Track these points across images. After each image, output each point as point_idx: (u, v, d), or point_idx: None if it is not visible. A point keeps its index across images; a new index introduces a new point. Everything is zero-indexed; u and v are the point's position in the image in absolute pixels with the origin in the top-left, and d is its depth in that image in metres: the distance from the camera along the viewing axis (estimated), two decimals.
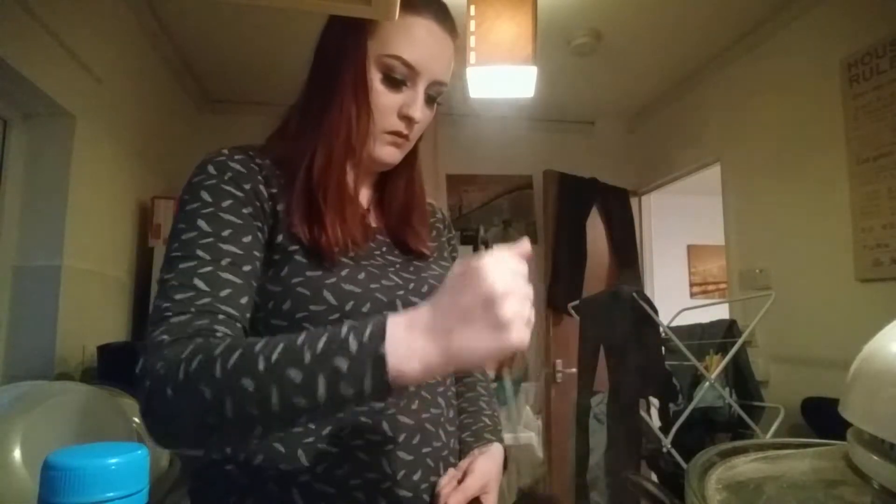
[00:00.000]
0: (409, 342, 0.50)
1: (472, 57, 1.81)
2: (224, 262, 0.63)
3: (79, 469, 0.31)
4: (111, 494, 0.32)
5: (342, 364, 0.49)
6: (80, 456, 0.32)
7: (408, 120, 0.74)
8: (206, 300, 0.60)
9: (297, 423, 0.55)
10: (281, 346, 0.52)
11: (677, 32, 2.53)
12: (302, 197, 0.71)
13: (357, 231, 0.72)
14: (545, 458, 2.76)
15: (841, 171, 2.04)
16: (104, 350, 1.85)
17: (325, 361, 0.50)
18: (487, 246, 0.53)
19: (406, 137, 0.76)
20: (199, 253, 0.63)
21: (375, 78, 0.73)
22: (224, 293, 0.62)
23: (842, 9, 2.10)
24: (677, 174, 3.21)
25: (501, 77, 1.88)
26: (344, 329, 0.52)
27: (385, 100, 0.73)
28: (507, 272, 0.50)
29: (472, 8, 1.81)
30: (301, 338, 0.52)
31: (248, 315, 0.65)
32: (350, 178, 0.77)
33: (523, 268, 0.53)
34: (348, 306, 0.68)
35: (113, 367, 1.80)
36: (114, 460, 0.32)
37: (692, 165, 3.05)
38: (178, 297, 0.60)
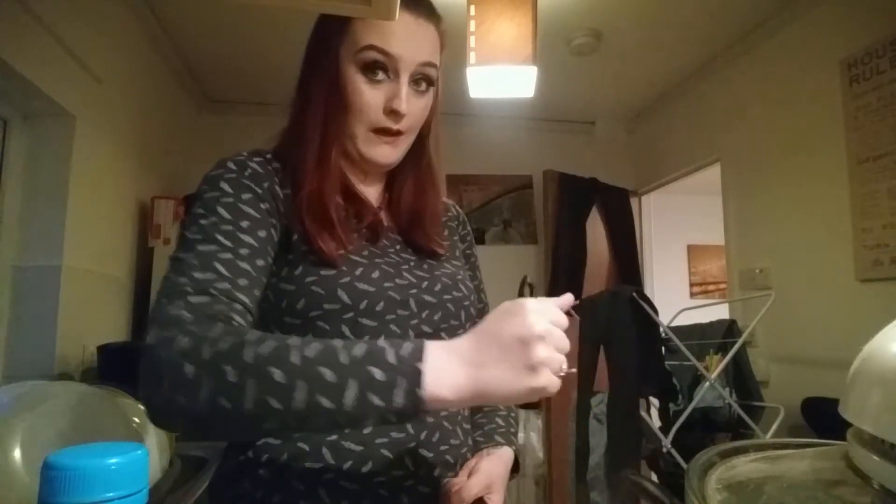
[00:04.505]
0: (445, 366, 0.51)
1: (472, 57, 1.81)
2: (242, 252, 0.64)
3: (79, 469, 0.31)
4: (111, 494, 0.32)
5: (376, 373, 0.50)
6: (80, 456, 0.32)
7: (394, 114, 0.73)
8: (226, 285, 0.60)
9: (309, 426, 0.53)
10: (317, 344, 0.52)
11: (677, 32, 2.53)
12: (293, 208, 0.72)
13: (348, 238, 0.72)
14: (545, 458, 2.76)
15: (841, 171, 2.04)
16: (104, 350, 1.85)
17: (361, 367, 0.50)
18: (532, 291, 0.58)
19: (398, 133, 0.74)
20: (220, 238, 0.63)
21: (356, 78, 0.72)
22: (242, 282, 0.62)
23: (842, 9, 2.10)
24: (677, 174, 3.21)
25: (501, 77, 1.88)
26: (383, 342, 0.52)
27: (368, 97, 0.72)
28: (547, 318, 0.53)
29: (472, 8, 1.81)
30: (339, 342, 0.53)
31: (257, 309, 0.65)
32: (346, 180, 0.76)
33: (563, 320, 0.55)
34: (362, 305, 0.69)
35: (113, 367, 1.80)
36: (114, 460, 0.32)
37: (692, 165, 3.05)
38: (196, 275, 0.60)
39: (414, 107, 0.74)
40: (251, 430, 0.58)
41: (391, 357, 0.51)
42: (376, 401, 0.49)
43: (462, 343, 0.53)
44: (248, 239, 0.65)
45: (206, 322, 0.56)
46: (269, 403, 0.49)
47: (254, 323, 0.64)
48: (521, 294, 0.57)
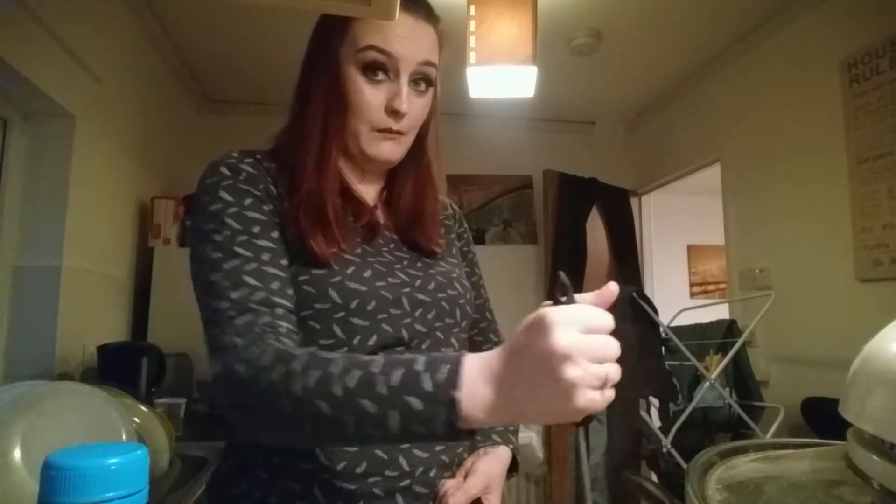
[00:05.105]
0: (479, 390, 0.50)
1: (472, 57, 1.81)
2: (265, 258, 0.66)
3: (79, 469, 0.31)
4: (111, 494, 0.32)
5: (415, 403, 0.50)
6: (80, 456, 0.32)
7: (395, 114, 0.73)
8: (262, 295, 0.63)
9: (370, 446, 0.64)
10: (357, 373, 0.53)
11: (677, 32, 2.53)
12: (290, 207, 0.72)
13: (343, 238, 0.72)
14: (545, 458, 2.76)
15: (841, 171, 2.04)
16: (104, 350, 1.85)
17: (399, 397, 0.51)
18: (567, 292, 0.49)
19: (399, 133, 0.75)
20: (239, 251, 0.65)
21: (356, 79, 0.73)
22: (274, 286, 0.64)
23: (842, 9, 2.10)
24: (677, 174, 3.20)
25: (501, 77, 1.88)
26: (419, 364, 0.52)
27: (369, 97, 0.73)
28: (575, 328, 0.46)
29: (472, 8, 1.81)
30: (377, 366, 0.53)
31: (295, 305, 0.67)
32: (344, 180, 0.77)
33: (602, 321, 0.48)
34: (353, 304, 0.69)
35: (113, 367, 1.80)
36: (114, 460, 0.32)
37: (692, 165, 3.04)
38: (233, 295, 0.62)
39: (414, 106, 0.75)
40: (316, 446, 0.66)
41: (427, 384, 0.50)
42: (420, 429, 0.51)
43: (494, 361, 0.50)
44: (264, 243, 0.66)
45: (256, 343, 0.59)
46: (324, 434, 0.55)
47: (297, 320, 0.66)
48: (551, 298, 0.52)
